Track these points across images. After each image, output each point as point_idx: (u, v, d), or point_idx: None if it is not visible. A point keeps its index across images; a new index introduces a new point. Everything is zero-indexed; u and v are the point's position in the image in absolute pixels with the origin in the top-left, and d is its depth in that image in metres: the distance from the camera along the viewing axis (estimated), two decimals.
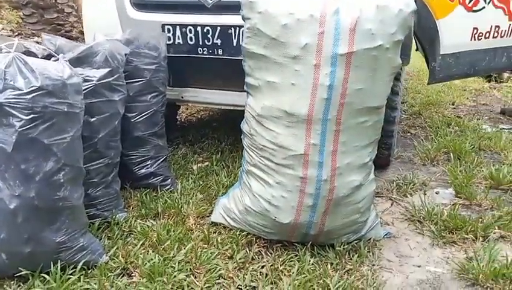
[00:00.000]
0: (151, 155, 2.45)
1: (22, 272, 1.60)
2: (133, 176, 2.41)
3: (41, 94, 1.54)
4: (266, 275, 1.76)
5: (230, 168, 2.89)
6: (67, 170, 1.63)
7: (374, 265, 1.89)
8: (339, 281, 1.71)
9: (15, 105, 1.50)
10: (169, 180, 2.52)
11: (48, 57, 1.77)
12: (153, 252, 1.87)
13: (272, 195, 1.89)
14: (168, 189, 2.49)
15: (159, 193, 2.45)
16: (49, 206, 1.59)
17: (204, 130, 3.76)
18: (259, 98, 1.91)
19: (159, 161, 2.48)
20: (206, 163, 2.99)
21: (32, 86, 1.52)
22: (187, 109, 4.56)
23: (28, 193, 1.53)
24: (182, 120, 4.22)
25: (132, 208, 2.31)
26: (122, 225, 2.07)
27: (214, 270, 1.76)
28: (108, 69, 1.99)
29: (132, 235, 2.02)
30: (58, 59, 1.72)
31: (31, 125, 1.52)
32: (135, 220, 2.13)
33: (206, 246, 1.97)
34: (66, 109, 1.62)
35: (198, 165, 2.95)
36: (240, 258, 1.86)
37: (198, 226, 2.18)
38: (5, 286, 1.62)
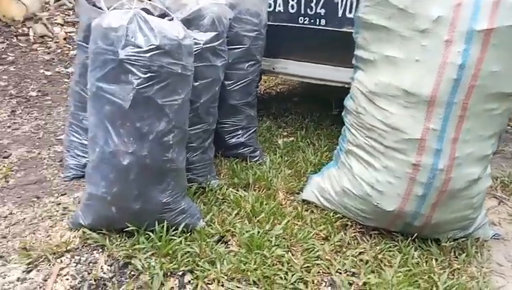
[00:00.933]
0: (242, 125, 2.41)
1: (129, 228, 1.63)
2: (224, 145, 2.39)
3: (159, 53, 1.52)
4: (367, 261, 1.67)
5: (316, 146, 2.79)
6: (176, 132, 1.62)
7: (482, 267, 1.72)
8: (447, 281, 1.57)
9: (134, 62, 1.49)
10: (258, 151, 2.48)
11: (162, 16, 1.74)
12: (248, 223, 1.84)
13: (377, 179, 1.77)
14: (256, 161, 2.45)
15: (248, 163, 2.41)
16: (158, 166, 1.59)
17: (286, 104, 3.67)
18: (373, 73, 1.77)
19: (250, 132, 2.44)
20: (292, 138, 2.91)
21: (151, 45, 1.50)
22: (265, 82, 4.48)
23: (140, 151, 1.54)
24: (262, 93, 4.16)
25: (223, 176, 2.30)
26: (215, 192, 2.06)
27: (311, 250, 1.69)
28: (214, 33, 1.94)
29: (226, 203, 2.00)
30: (172, 19, 1.68)
31: (148, 84, 1.51)
32: (227, 189, 2.11)
33: (299, 223, 1.90)
34: (179, 71, 1.59)
35: (284, 139, 2.88)
36: (336, 241, 1.78)
37: (288, 202, 2.12)
38: (111, 238, 1.67)
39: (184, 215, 1.71)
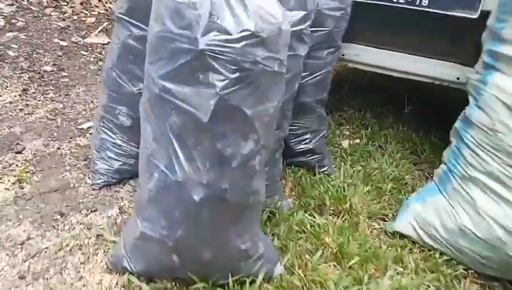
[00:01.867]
0: (312, 128, 1.95)
1: (198, 285, 1.19)
2: (289, 151, 1.93)
3: (254, 43, 1.04)
4: None
5: (388, 151, 2.35)
6: (263, 154, 1.16)
7: None
8: None
9: (219, 55, 1.01)
10: (326, 160, 2.03)
11: None
12: (337, 267, 1.41)
13: None
14: (324, 171, 2.00)
15: (316, 175, 1.96)
16: (239, 202, 1.14)
17: (338, 93, 3.18)
18: None
19: (319, 136, 1.98)
20: (357, 140, 2.45)
21: (244, 30, 1.02)
22: None
23: (219, 182, 1.08)
24: None
25: (289, 192, 1.85)
26: (288, 219, 1.61)
27: None
28: (303, 13, 1.46)
29: (303, 236, 1.57)
30: None
31: (236, 87, 1.04)
32: (300, 212, 1.67)
33: (401, 269, 1.47)
34: (276, 68, 1.11)
35: (349, 141, 2.41)
36: None
37: (375, 232, 1.69)
38: None
39: (261, 262, 1.28)
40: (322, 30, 1.76)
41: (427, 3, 1.86)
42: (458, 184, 1.52)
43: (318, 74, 1.84)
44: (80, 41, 3.54)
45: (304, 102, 1.86)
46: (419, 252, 1.59)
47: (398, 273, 1.44)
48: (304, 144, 1.94)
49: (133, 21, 1.54)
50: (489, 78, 1.42)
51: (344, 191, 1.88)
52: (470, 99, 1.55)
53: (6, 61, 2.95)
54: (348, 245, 1.51)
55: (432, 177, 1.97)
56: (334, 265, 1.44)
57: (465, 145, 1.51)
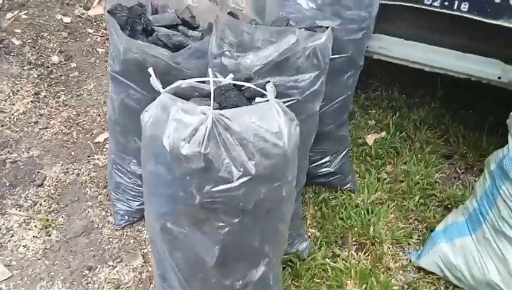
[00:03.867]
0: (332, 151, 1.83)
1: None
2: (309, 174, 1.84)
3: (256, 183, 0.93)
4: None
5: (416, 145, 2.22)
6: (275, 269, 1.11)
7: None
8: None
9: (219, 205, 0.92)
10: (349, 177, 1.94)
11: (244, 90, 1.10)
12: None
13: None
14: (347, 188, 1.93)
15: (338, 196, 1.90)
16: None
17: (366, 72, 2.90)
18: None
19: (341, 156, 1.87)
20: (383, 133, 2.30)
21: (244, 176, 0.91)
22: None
23: None
24: None
25: (312, 221, 1.82)
26: (308, 265, 1.61)
27: None
28: (315, 73, 1.27)
29: (325, 283, 1.57)
30: (266, 99, 1.03)
31: (241, 228, 0.96)
32: (321, 253, 1.65)
33: None
34: (284, 193, 1.01)
35: (373, 136, 2.27)
36: None
37: (398, 264, 1.67)
38: None
39: None
40: (341, 57, 1.54)
41: (467, 9, 1.56)
42: (490, 235, 1.44)
43: (338, 99, 1.67)
44: (83, 14, 3.31)
45: (322, 130, 1.71)
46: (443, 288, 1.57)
47: None
48: (324, 167, 1.84)
49: (129, 82, 1.40)
50: None
51: (368, 214, 1.82)
52: (510, 146, 1.37)
53: (12, 54, 2.84)
54: None
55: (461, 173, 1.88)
56: None
57: (500, 197, 1.39)
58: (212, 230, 0.95)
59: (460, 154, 2.20)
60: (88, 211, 1.89)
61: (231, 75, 1.11)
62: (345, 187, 1.93)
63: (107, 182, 1.95)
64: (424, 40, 1.91)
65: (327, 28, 1.30)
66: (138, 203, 1.78)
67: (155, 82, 0.99)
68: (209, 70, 1.00)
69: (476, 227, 1.51)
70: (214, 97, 0.93)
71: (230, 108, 0.98)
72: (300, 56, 1.21)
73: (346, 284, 1.57)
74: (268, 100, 1.01)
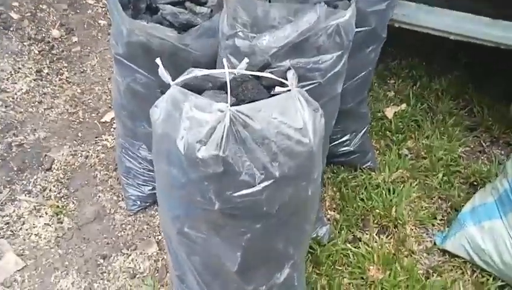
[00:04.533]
0: (352, 129, 1.73)
1: None
2: (328, 153, 1.75)
3: (281, 185, 0.84)
4: None
5: (435, 111, 2.11)
6: (300, 267, 1.05)
7: None
8: None
9: (240, 210, 0.84)
10: (370, 155, 1.85)
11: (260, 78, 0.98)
12: None
13: None
14: (367, 166, 1.84)
15: (358, 173, 1.82)
16: None
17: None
18: None
19: (361, 134, 1.77)
20: (403, 105, 2.18)
21: (266, 180, 0.82)
22: None
23: None
24: None
25: (331, 203, 1.74)
26: (329, 251, 1.55)
27: None
28: (338, 53, 1.15)
29: (347, 269, 1.52)
30: (287, 88, 0.92)
31: (264, 233, 0.88)
32: (341, 237, 1.59)
33: None
34: (309, 193, 0.92)
35: (393, 109, 2.15)
36: None
37: (422, 246, 1.61)
38: None
39: None
40: (363, 30, 1.41)
41: None
42: None
43: (359, 76, 1.55)
44: None
45: (342, 109, 1.60)
46: (471, 275, 1.51)
47: None
48: (344, 146, 1.75)
49: (134, 66, 1.29)
50: None
51: (389, 194, 1.74)
52: None
53: (11, 28, 2.71)
54: (394, 278, 1.46)
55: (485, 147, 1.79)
56: None
57: None
58: (233, 235, 0.88)
59: (485, 126, 2.09)
60: (99, 196, 1.83)
61: (246, 60, 0.99)
62: (364, 166, 1.84)
63: (116, 165, 1.88)
64: (450, 6, 1.75)
65: (350, 1, 1.17)
66: (150, 187, 1.71)
67: (164, 73, 0.88)
68: (224, 60, 0.89)
69: (507, 210, 1.43)
70: (230, 91, 0.83)
71: (248, 102, 0.88)
72: (322, 35, 1.09)
73: (369, 270, 1.51)
74: (290, 90, 0.91)
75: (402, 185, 1.79)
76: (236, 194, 0.82)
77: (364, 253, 1.55)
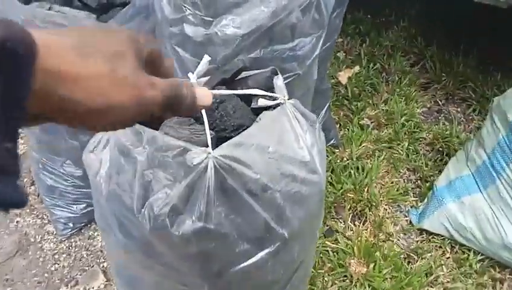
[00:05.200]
0: (315, 107, 1.51)
1: None
2: None
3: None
4: None
5: (389, 71, 1.99)
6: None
7: None
8: None
9: None
10: (332, 131, 1.67)
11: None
12: None
13: None
14: (331, 144, 1.67)
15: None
16: None
17: None
18: None
19: (323, 112, 1.57)
20: (356, 67, 2.01)
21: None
22: None
23: None
24: None
25: None
26: None
27: None
28: (315, 35, 0.91)
29: (329, 266, 1.37)
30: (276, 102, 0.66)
31: None
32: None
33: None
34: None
35: (346, 73, 1.97)
36: None
37: (399, 227, 1.51)
38: None
39: None
40: None
41: None
42: (507, 194, 1.28)
43: (324, 48, 1.30)
44: None
45: None
46: (451, 252, 1.44)
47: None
48: None
49: None
50: None
51: (358, 173, 1.60)
52: None
53: None
54: (379, 271, 1.34)
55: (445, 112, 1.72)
56: None
57: None
58: None
59: (439, 83, 2.00)
60: (17, 222, 1.47)
61: (207, 58, 0.70)
62: (328, 144, 1.66)
63: (33, 179, 1.51)
64: None
65: None
66: (83, 205, 1.40)
67: None
68: (192, 76, 0.59)
69: (487, 183, 1.35)
70: (207, 125, 0.56)
71: (231, 132, 0.62)
72: (295, 11, 0.83)
73: (350, 264, 1.38)
74: (281, 103, 0.66)
75: (369, 161, 1.65)
76: (233, 269, 0.57)
77: (344, 247, 1.40)
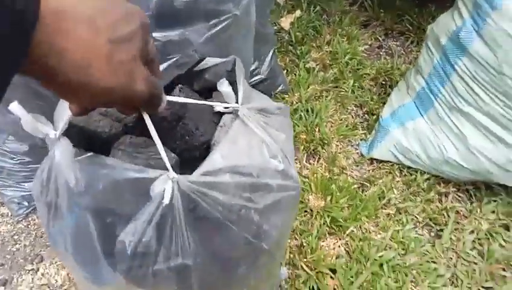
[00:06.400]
0: (260, 54, 1.52)
1: None
2: None
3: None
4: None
5: (333, 16, 2.01)
6: None
7: None
8: None
9: None
10: (280, 77, 1.69)
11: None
12: (335, 238, 1.36)
13: (509, 159, 1.29)
14: (280, 91, 1.70)
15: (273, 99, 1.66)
16: None
17: None
18: None
19: (269, 58, 1.57)
20: (297, 12, 2.01)
21: None
22: None
23: None
24: None
25: None
26: None
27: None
28: None
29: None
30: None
31: None
32: None
33: (390, 211, 1.45)
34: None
35: (288, 19, 1.97)
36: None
37: (351, 160, 1.58)
38: None
39: None
40: None
41: None
42: (445, 113, 1.37)
43: None
44: None
45: None
46: (400, 175, 1.55)
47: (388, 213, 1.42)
48: (255, 75, 1.55)
49: None
50: (503, 3, 1.08)
51: (308, 115, 1.65)
52: (466, 16, 1.21)
53: None
54: (336, 202, 1.42)
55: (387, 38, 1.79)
56: (331, 237, 1.38)
57: (456, 73, 1.28)
58: None
59: (378, 19, 2.05)
60: None
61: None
62: (277, 91, 1.68)
63: None
64: None
65: None
66: (30, 181, 1.34)
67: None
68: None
69: (426, 107, 1.43)
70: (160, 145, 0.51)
71: (194, 150, 0.61)
72: None
73: (309, 200, 1.45)
74: (234, 109, 0.63)
75: (318, 102, 1.70)
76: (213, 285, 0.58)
77: (302, 185, 1.46)
